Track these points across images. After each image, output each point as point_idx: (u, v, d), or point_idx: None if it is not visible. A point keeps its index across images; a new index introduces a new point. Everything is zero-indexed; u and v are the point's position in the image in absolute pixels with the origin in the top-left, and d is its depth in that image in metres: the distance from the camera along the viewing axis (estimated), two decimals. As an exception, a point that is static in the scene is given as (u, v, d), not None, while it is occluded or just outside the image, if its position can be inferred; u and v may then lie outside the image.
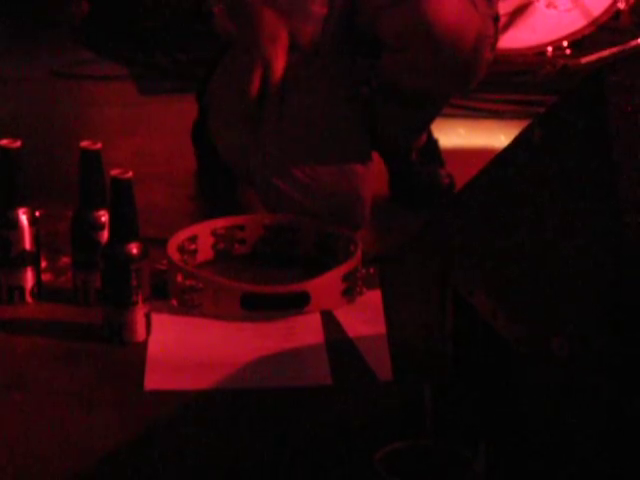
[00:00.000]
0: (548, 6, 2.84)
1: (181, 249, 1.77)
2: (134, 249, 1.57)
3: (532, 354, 1.07)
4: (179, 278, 1.68)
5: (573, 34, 2.84)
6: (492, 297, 1.13)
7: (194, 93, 2.19)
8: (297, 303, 1.67)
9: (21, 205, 1.66)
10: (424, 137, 2.08)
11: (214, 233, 1.83)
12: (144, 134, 2.35)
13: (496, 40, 1.90)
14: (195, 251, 1.80)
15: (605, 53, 2.75)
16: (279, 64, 1.86)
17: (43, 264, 1.72)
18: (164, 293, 1.68)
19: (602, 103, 1.02)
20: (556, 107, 1.09)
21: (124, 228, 1.57)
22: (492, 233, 1.16)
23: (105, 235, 1.63)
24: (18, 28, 3.01)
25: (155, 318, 1.61)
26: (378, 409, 1.44)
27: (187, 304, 1.67)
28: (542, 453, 1.09)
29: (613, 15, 2.89)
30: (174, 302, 1.68)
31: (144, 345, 1.57)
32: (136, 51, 2.82)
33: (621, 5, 2.88)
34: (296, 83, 1.89)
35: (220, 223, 1.84)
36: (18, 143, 1.65)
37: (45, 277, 1.72)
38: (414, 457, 1.16)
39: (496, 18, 1.92)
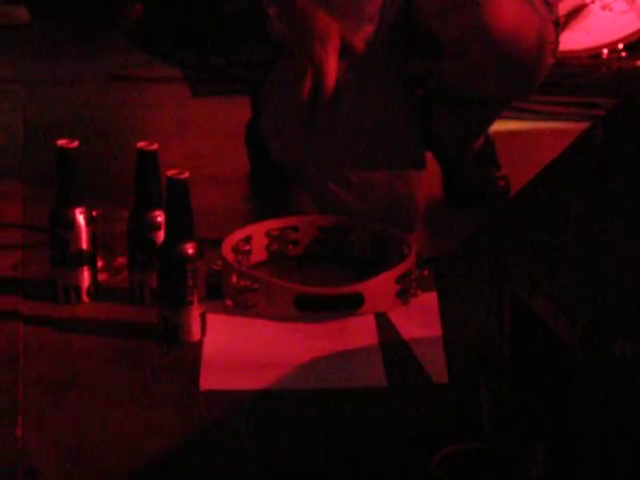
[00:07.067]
0: (604, 8, 2.82)
1: (235, 250, 1.78)
2: (190, 249, 1.57)
3: (594, 357, 1.06)
4: (234, 278, 1.68)
5: (629, 36, 2.81)
6: (553, 300, 1.12)
7: (247, 95, 2.20)
8: (351, 304, 1.67)
9: (78, 205, 1.67)
10: (481, 140, 2.07)
11: (268, 234, 1.84)
12: (198, 136, 2.36)
13: (557, 45, 1.89)
14: (249, 252, 1.81)
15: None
16: (331, 66, 1.86)
17: (99, 264, 1.73)
18: (219, 293, 1.69)
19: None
20: (619, 108, 1.08)
21: (180, 228, 1.58)
22: (553, 235, 1.15)
23: (161, 235, 1.64)
24: (74, 31, 3.04)
25: (210, 318, 1.61)
26: (433, 412, 1.43)
27: (242, 304, 1.68)
28: (601, 456, 1.08)
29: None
30: (229, 302, 1.69)
31: (199, 345, 1.58)
32: (190, 53, 2.84)
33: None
34: (349, 85, 1.89)
35: (274, 224, 1.85)
36: (75, 143, 1.66)
37: (101, 277, 1.73)
38: (471, 460, 1.15)
39: (557, 23, 1.90)
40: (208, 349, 1.57)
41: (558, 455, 1.15)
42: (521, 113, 2.43)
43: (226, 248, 1.74)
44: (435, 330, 1.44)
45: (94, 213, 1.70)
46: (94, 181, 1.90)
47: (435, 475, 1.12)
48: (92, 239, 1.69)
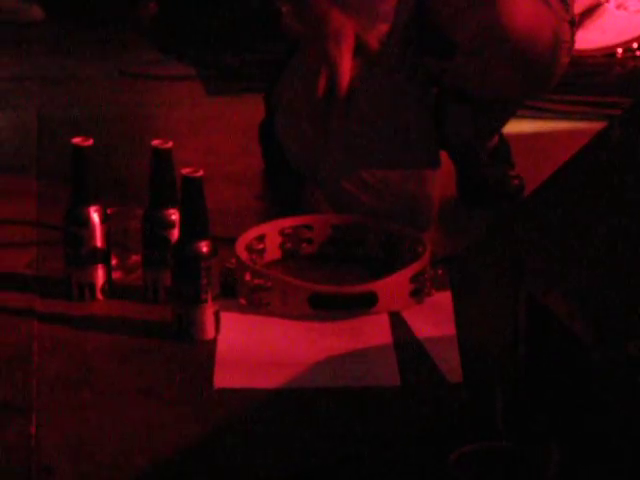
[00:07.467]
0: (618, 7, 2.81)
1: (249, 248, 1.78)
2: (204, 247, 1.57)
3: (608, 356, 1.06)
4: (247, 277, 1.68)
5: (643, 36, 2.81)
6: (568, 299, 1.12)
7: (261, 93, 2.20)
8: (365, 303, 1.67)
9: (92, 203, 1.68)
10: (495, 138, 2.06)
11: (282, 232, 1.84)
12: (212, 134, 2.37)
13: (572, 44, 1.89)
14: (263, 250, 1.81)
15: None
16: (345, 65, 1.85)
17: (114, 262, 1.73)
18: (232, 292, 1.69)
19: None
20: (635, 107, 1.08)
21: (194, 226, 1.58)
22: (569, 233, 1.15)
23: (175, 233, 1.64)
24: (87, 29, 3.05)
25: (224, 316, 1.62)
26: (447, 411, 1.43)
27: (255, 303, 1.68)
28: (615, 455, 1.08)
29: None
30: (242, 301, 1.69)
31: (213, 343, 1.58)
32: (204, 51, 2.84)
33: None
34: (363, 84, 1.89)
35: (288, 223, 1.85)
36: (90, 141, 1.67)
37: (115, 275, 1.73)
38: (485, 459, 1.15)
39: (572, 22, 1.90)
40: (222, 347, 1.57)
41: (573, 454, 1.15)
42: (535, 112, 2.43)
43: (240, 246, 1.74)
44: (449, 329, 1.44)
45: (108, 211, 1.70)
46: (108, 179, 1.90)
47: (452, 474, 1.12)
48: (106, 237, 1.69)
